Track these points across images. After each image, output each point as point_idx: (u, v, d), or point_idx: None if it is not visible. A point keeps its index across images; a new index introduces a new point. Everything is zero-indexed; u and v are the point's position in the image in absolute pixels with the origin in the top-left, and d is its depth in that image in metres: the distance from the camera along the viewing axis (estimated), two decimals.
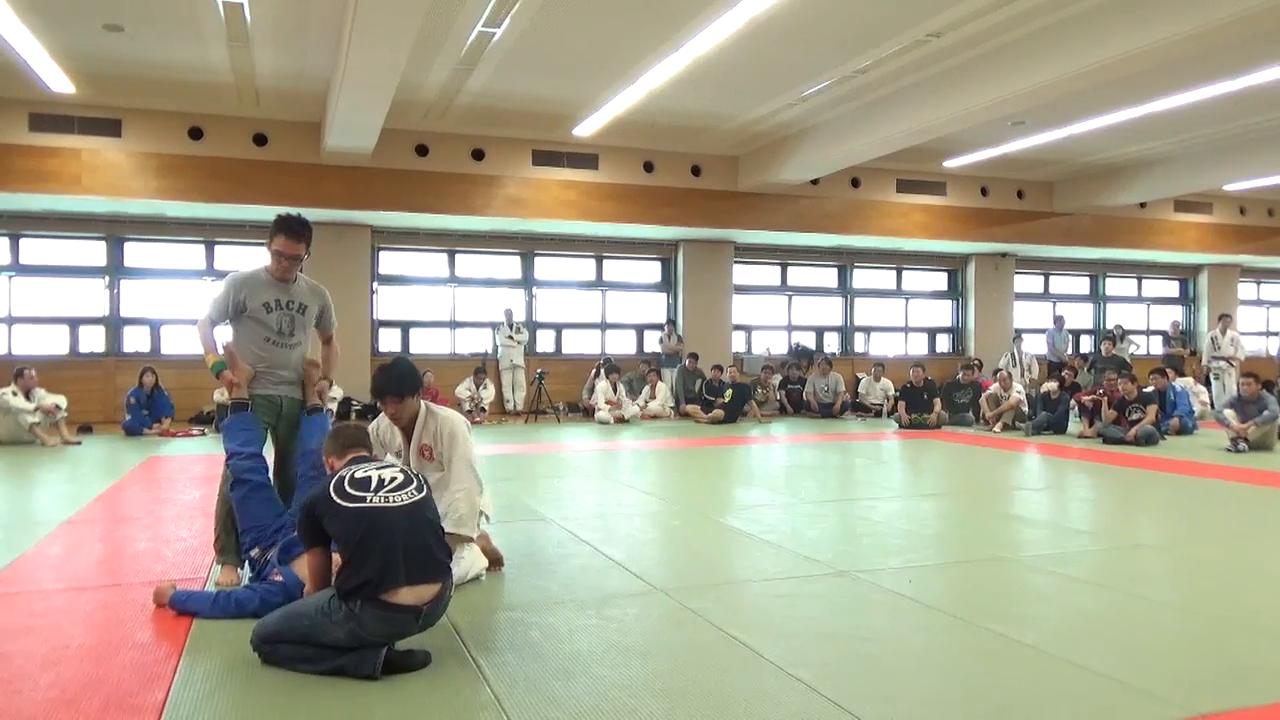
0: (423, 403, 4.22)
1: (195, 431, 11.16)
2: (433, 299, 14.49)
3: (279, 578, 3.62)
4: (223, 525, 4.17)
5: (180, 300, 13.19)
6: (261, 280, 4.33)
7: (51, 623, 3.55)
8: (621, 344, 15.43)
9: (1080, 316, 18.59)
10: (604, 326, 15.39)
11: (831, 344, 16.68)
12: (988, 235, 15.59)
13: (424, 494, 3.24)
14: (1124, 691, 2.87)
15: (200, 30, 8.52)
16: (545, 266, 14.99)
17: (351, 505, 3.07)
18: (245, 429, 4.12)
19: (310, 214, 13.45)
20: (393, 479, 3.20)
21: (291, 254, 4.29)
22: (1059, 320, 16.64)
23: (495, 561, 4.34)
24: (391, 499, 3.11)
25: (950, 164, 14.12)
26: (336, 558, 3.26)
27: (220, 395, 10.93)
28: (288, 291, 4.36)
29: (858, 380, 14.94)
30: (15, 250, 12.51)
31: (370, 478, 3.17)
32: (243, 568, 4.12)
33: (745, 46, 8.77)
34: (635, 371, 13.97)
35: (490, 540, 4.42)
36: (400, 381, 4.09)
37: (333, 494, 3.11)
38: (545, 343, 15.02)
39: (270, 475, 4.21)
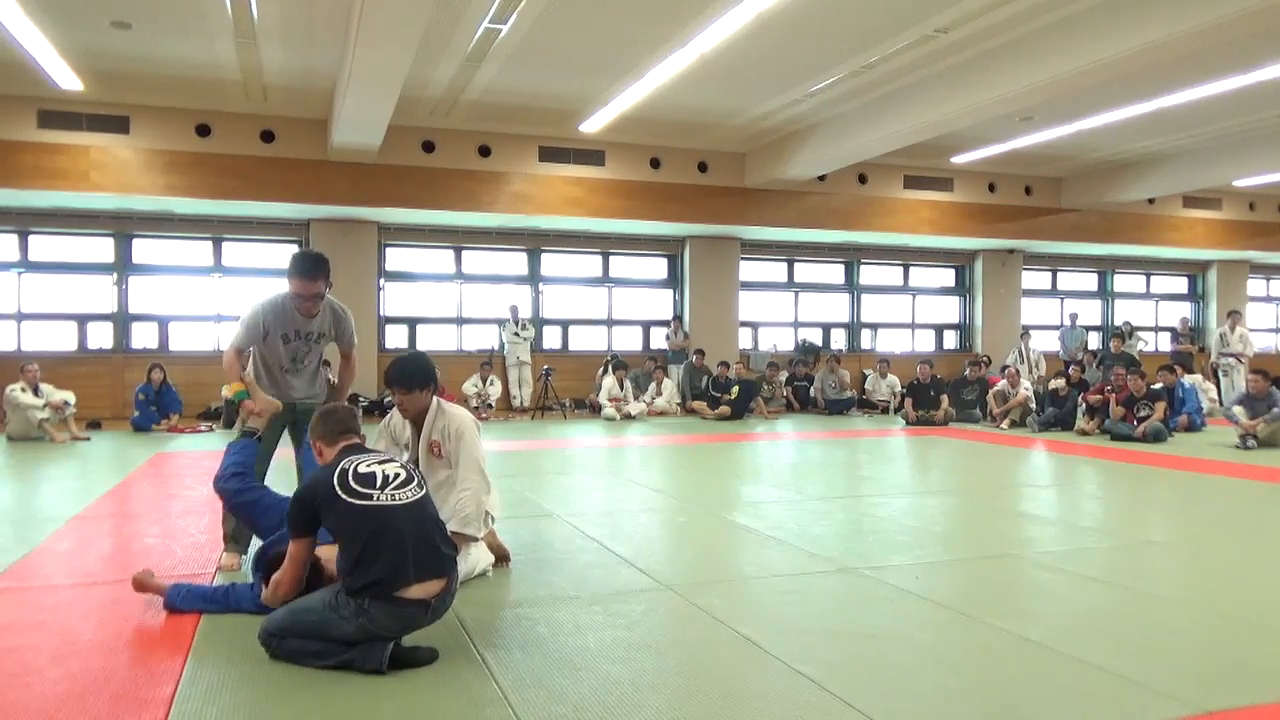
0: (435, 399, 4.22)
1: (203, 427, 11.19)
2: (439, 295, 14.50)
3: None
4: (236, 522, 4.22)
5: (188, 296, 13.26)
6: (286, 311, 4.27)
7: (61, 618, 3.57)
8: (628, 340, 15.44)
9: (1088, 313, 18.52)
10: (610, 323, 15.39)
11: (838, 340, 16.66)
12: (995, 231, 15.55)
13: (424, 491, 3.27)
14: (1132, 688, 2.86)
15: (208, 27, 8.53)
16: (552, 263, 14.99)
17: (359, 502, 3.06)
18: (239, 454, 4.10)
19: (317, 210, 13.46)
20: (396, 475, 3.20)
21: (310, 294, 4.21)
22: (1072, 318, 16.56)
23: (501, 557, 4.34)
24: (397, 496, 3.11)
25: (958, 160, 14.08)
26: (324, 550, 3.26)
27: (228, 391, 10.94)
28: (309, 324, 4.33)
29: (864, 377, 14.93)
30: (24, 247, 12.56)
31: (375, 474, 3.16)
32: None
33: (752, 42, 8.75)
34: (642, 368, 13.97)
35: (496, 536, 4.41)
36: (407, 375, 4.09)
37: (337, 488, 3.08)
38: (552, 339, 15.03)
39: (264, 477, 4.28)
